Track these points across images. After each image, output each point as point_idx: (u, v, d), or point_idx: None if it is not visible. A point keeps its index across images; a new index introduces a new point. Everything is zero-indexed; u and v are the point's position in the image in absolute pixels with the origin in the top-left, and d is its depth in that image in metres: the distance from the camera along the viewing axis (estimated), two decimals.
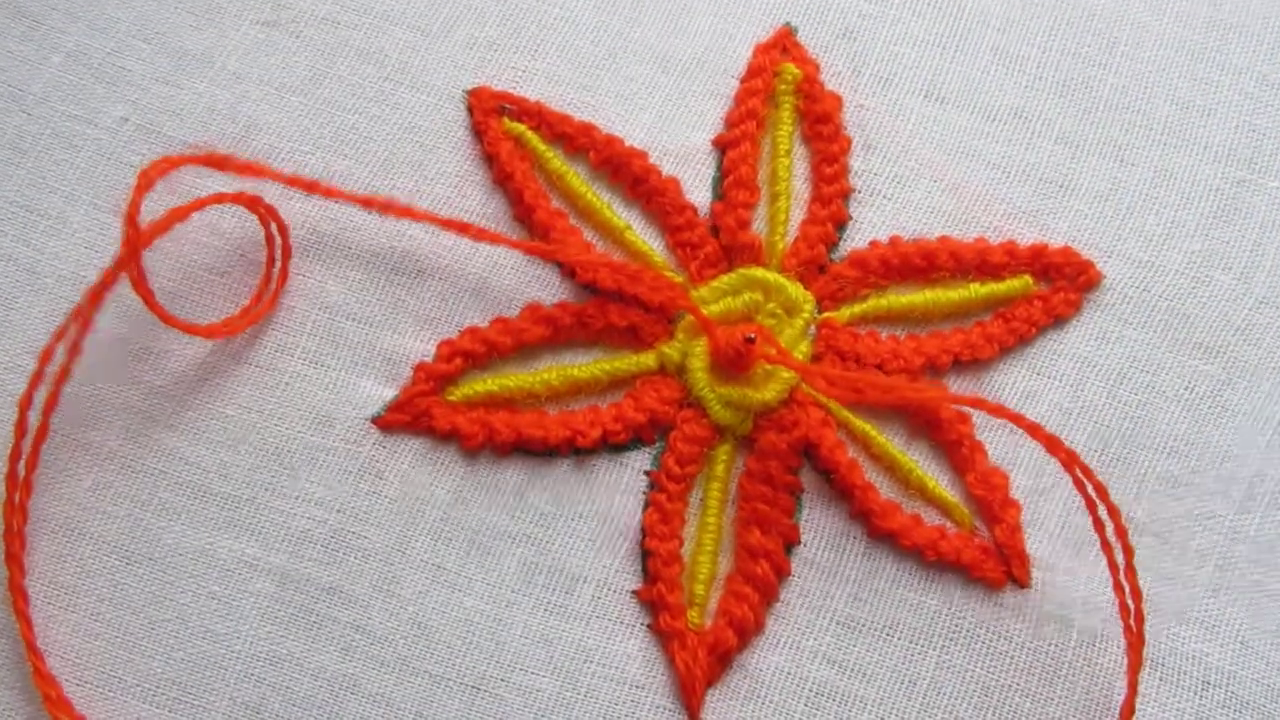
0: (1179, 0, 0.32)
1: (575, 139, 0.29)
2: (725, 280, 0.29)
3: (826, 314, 0.29)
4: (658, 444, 0.28)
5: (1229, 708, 0.27)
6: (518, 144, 0.30)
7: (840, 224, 0.29)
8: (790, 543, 0.27)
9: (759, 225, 0.29)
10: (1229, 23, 0.32)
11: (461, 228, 0.27)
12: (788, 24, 0.31)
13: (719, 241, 0.29)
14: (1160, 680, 0.27)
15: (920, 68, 0.31)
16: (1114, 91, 0.31)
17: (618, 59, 0.31)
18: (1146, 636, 0.26)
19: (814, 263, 0.29)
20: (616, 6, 0.31)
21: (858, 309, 0.28)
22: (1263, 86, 0.31)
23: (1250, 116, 0.31)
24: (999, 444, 0.28)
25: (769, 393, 0.27)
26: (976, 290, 0.28)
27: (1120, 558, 0.26)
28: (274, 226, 0.28)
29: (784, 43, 0.30)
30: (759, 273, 0.29)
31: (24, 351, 0.28)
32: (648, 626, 0.27)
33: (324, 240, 0.29)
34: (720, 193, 0.29)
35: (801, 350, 0.28)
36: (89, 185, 0.29)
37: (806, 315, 0.28)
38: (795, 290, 0.28)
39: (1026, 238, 0.29)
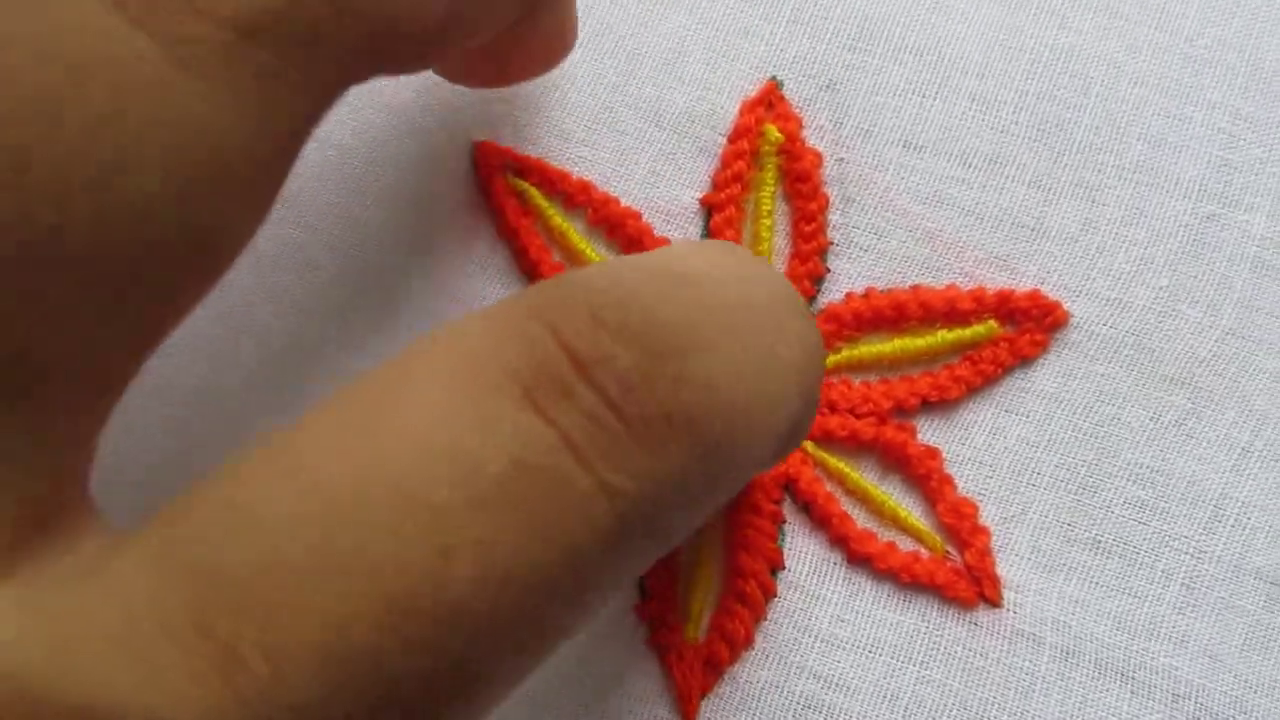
0: (1155, 36, 0.34)
1: (574, 197, 0.33)
2: None
3: None
4: None
5: None
6: (520, 199, 0.33)
7: (817, 279, 0.32)
8: (775, 567, 0.30)
9: None
10: (1204, 58, 0.34)
11: None
12: (774, 78, 0.34)
13: None
14: (1132, 693, 0.30)
15: (900, 117, 0.34)
16: (1087, 132, 0.34)
17: (614, 113, 0.34)
18: (1117, 652, 0.30)
19: None
20: (613, 59, 0.35)
21: (830, 360, 0.32)
22: (1235, 121, 0.34)
23: (1223, 151, 0.34)
24: (971, 476, 0.31)
25: None
26: (944, 337, 0.31)
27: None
28: None
29: (769, 98, 0.34)
30: None
31: None
32: (645, 640, 0.30)
33: (330, 284, 0.33)
34: None
35: None
36: None
37: None
38: None
39: (997, 282, 0.32)
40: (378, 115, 0.34)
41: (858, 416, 0.31)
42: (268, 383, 0.32)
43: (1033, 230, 0.33)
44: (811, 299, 0.33)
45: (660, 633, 0.30)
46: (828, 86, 0.34)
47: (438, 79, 0.34)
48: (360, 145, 0.34)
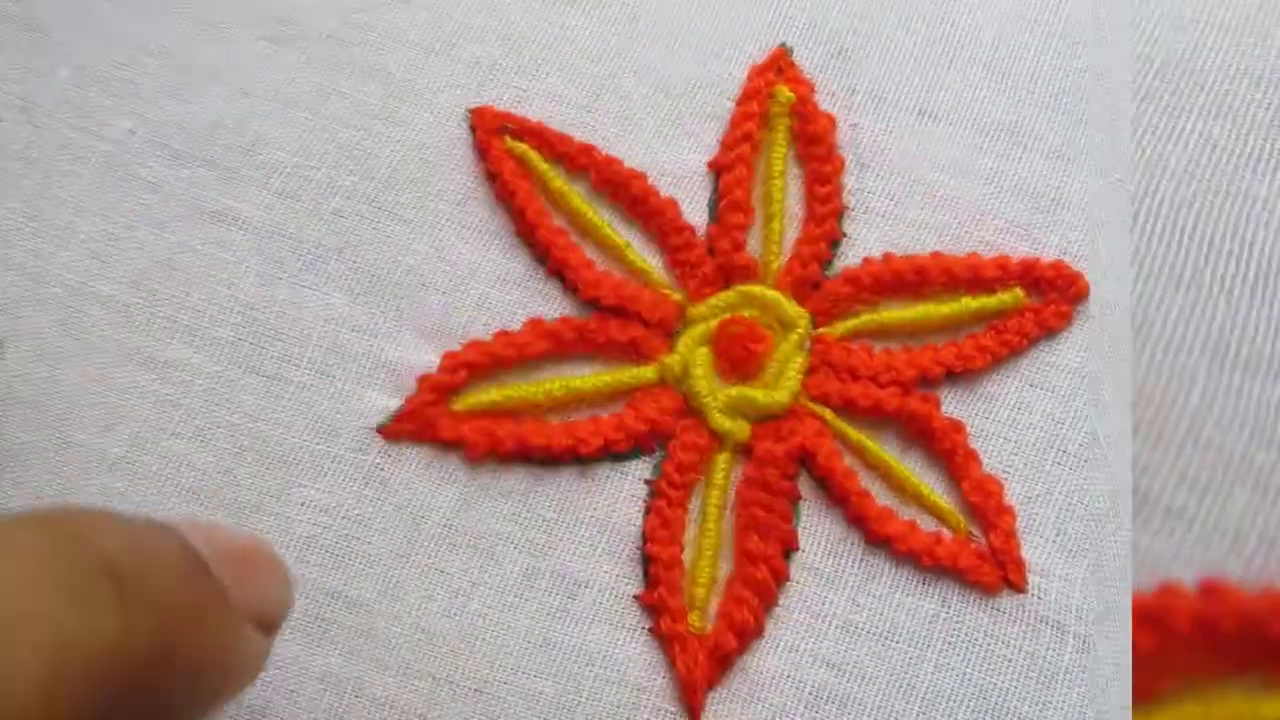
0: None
1: (576, 159, 0.32)
2: (722, 297, 0.31)
3: (821, 329, 0.31)
4: (658, 453, 0.29)
5: None
6: (519, 163, 0.32)
7: (834, 242, 0.31)
8: (789, 548, 0.29)
9: (754, 245, 0.31)
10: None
11: None
12: (783, 44, 0.33)
13: (716, 261, 0.31)
14: None
15: (913, 85, 0.33)
16: (1104, 104, 0.33)
17: (617, 79, 0.33)
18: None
19: (808, 280, 0.31)
20: (615, 25, 0.34)
21: (851, 324, 0.31)
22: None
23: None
24: (995, 452, 0.30)
25: (781, 394, 0.29)
26: (968, 304, 0.30)
27: None
28: None
29: (779, 63, 0.33)
30: (755, 290, 0.31)
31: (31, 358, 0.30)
32: (649, 630, 0.28)
33: (329, 253, 0.31)
34: (716, 216, 0.31)
35: (797, 364, 0.30)
36: (96, 197, 0.31)
37: (801, 330, 0.30)
38: (790, 307, 0.31)
39: (1018, 251, 0.31)
40: (371, 84, 0.33)
41: (880, 385, 0.30)
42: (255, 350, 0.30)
43: (1053, 200, 0.32)
44: (828, 263, 0.31)
45: (663, 622, 0.28)
46: (839, 53, 0.33)
47: (433, 50, 0.33)
48: (353, 115, 0.32)
